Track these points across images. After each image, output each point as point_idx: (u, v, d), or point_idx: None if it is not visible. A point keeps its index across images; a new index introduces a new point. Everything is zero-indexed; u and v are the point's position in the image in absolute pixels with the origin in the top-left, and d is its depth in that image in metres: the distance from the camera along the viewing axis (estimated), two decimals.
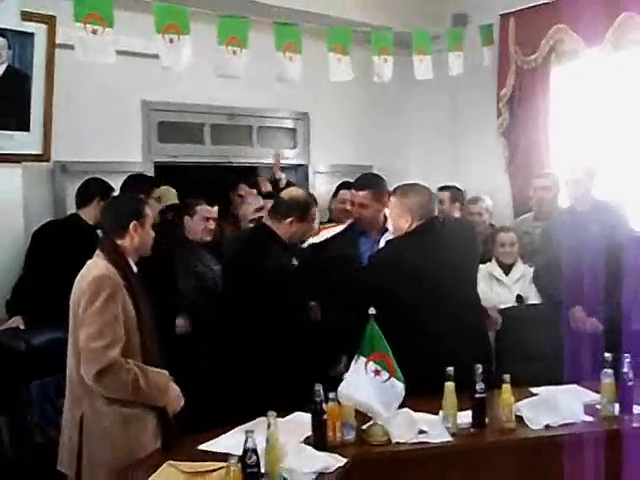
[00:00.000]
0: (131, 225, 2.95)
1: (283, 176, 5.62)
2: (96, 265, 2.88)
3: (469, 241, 3.71)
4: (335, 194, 5.36)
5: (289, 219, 3.61)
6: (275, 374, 3.33)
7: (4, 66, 4.21)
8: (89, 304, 2.75)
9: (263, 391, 3.25)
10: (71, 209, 4.65)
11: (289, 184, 5.45)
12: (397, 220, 3.56)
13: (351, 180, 5.25)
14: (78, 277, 2.88)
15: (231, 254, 3.90)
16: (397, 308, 3.22)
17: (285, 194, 3.78)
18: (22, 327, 3.91)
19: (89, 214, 4.36)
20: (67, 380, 2.90)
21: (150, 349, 2.90)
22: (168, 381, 2.91)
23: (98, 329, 2.71)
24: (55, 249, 4.10)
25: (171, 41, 4.05)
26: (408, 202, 3.51)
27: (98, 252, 2.94)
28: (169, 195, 4.75)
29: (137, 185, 4.42)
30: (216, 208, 4.48)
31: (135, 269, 2.98)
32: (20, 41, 4.24)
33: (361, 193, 3.95)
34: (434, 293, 3.31)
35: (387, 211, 3.96)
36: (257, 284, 3.42)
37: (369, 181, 4.05)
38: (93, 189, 4.41)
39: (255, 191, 5.25)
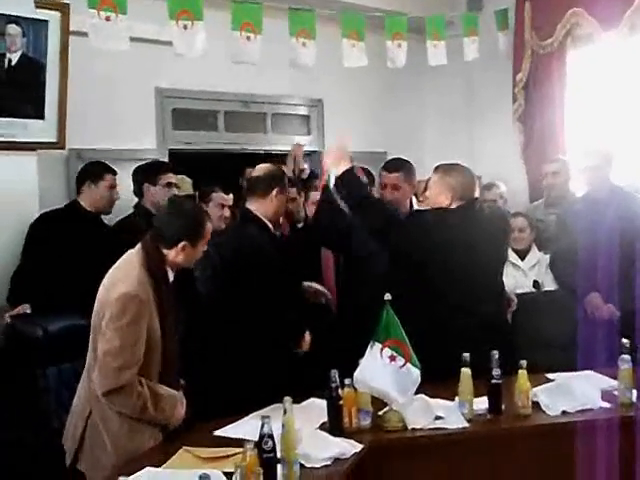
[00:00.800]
0: (180, 244, 2.82)
1: (307, 166, 5.60)
2: (130, 267, 2.78)
3: (501, 232, 3.72)
4: None
5: (273, 192, 3.57)
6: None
7: (18, 54, 4.21)
8: (113, 320, 2.67)
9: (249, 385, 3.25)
10: None
11: (312, 175, 5.43)
12: (437, 197, 3.54)
13: (365, 166, 5.24)
14: (109, 274, 2.82)
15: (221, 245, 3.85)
16: (417, 277, 3.31)
17: (258, 171, 3.71)
18: (29, 311, 3.91)
19: (85, 200, 4.30)
20: (85, 369, 2.87)
21: (170, 363, 2.85)
22: (177, 404, 2.84)
23: (117, 348, 2.64)
24: (53, 237, 4.07)
25: (185, 27, 4.05)
26: (451, 181, 3.50)
27: (139, 248, 2.85)
28: (184, 185, 4.72)
29: (146, 173, 4.36)
30: (231, 196, 4.47)
31: (172, 278, 2.89)
32: (34, 29, 4.24)
33: (393, 175, 3.95)
34: (455, 272, 3.33)
35: (414, 198, 4.02)
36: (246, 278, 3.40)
37: (400, 163, 4.04)
38: (84, 173, 4.34)
39: None
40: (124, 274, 2.77)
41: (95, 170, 4.33)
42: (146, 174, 4.33)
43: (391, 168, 4.00)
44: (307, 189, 4.60)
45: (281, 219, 4.63)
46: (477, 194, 3.68)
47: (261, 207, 3.59)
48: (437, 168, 3.61)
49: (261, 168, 3.74)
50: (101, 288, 2.81)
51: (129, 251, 2.88)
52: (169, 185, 4.33)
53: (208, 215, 3.03)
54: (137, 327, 2.68)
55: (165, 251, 2.83)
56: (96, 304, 2.79)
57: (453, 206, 3.49)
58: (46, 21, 4.27)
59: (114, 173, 4.38)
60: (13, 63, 4.20)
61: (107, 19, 3.80)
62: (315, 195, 4.34)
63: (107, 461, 2.73)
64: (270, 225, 3.61)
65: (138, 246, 2.86)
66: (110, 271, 2.84)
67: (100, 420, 2.76)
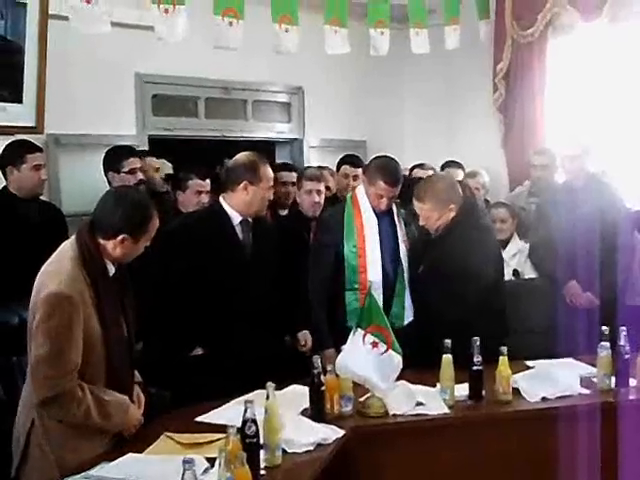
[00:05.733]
0: (120, 236, 2.56)
1: None
2: (62, 263, 2.52)
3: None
4: (337, 169, 5.19)
5: (241, 185, 3.44)
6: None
7: None
8: (41, 322, 2.42)
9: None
10: (65, 182, 4.65)
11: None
12: (442, 217, 3.55)
13: (351, 153, 5.20)
14: (42, 270, 2.57)
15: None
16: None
17: (231, 162, 3.62)
18: None
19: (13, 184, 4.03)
20: (27, 374, 2.59)
21: (116, 364, 2.61)
22: (126, 410, 2.63)
23: (48, 354, 2.40)
24: None
25: (166, 11, 3.97)
26: (442, 194, 3.54)
27: (73, 241, 2.60)
28: (164, 167, 4.66)
29: (112, 159, 4.30)
30: (208, 181, 4.43)
31: (112, 271, 2.64)
32: (12, 11, 4.18)
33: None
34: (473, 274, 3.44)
35: None
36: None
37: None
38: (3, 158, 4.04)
39: None
40: (55, 270, 2.52)
41: (16, 152, 4.01)
42: (113, 161, 4.28)
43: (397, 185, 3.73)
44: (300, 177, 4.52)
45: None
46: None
47: (231, 199, 3.50)
48: (420, 197, 3.57)
49: (234, 159, 3.62)
50: (34, 287, 2.55)
51: (64, 242, 2.65)
52: (132, 172, 4.25)
53: (155, 210, 2.71)
54: (69, 331, 2.42)
55: (103, 242, 2.58)
56: (30, 303, 2.54)
57: (456, 211, 3.54)
58: (24, 4, 4.21)
59: (37, 151, 4.07)
60: None
61: (87, 2, 3.72)
62: (308, 184, 4.27)
63: (50, 474, 2.48)
64: (237, 217, 3.50)
65: (73, 238, 2.62)
66: (43, 267, 2.58)
67: (42, 431, 2.53)
